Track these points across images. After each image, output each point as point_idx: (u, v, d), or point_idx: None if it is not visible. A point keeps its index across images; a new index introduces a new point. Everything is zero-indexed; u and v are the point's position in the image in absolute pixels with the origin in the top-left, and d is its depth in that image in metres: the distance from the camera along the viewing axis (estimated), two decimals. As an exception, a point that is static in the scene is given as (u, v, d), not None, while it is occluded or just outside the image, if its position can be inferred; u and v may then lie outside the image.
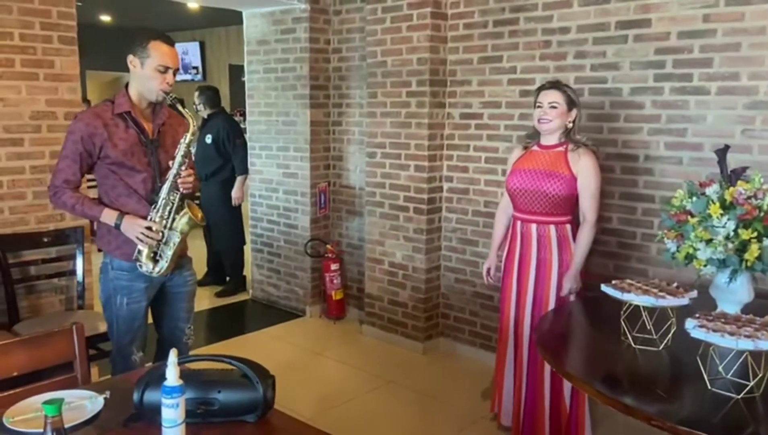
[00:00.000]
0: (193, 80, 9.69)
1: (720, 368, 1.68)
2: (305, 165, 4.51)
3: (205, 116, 4.99)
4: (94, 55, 7.74)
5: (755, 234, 1.88)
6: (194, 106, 5.02)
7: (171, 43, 2.33)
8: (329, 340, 4.20)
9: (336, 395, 3.38)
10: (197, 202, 2.51)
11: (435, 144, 3.80)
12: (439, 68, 3.73)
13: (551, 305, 2.66)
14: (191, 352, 2.67)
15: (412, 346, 3.95)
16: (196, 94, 5.00)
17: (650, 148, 3.03)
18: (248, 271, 5.20)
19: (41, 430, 1.20)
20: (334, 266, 4.46)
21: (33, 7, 3.08)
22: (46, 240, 3.20)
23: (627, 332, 2.01)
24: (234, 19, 5.26)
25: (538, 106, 2.63)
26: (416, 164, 3.83)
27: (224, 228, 5.02)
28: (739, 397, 1.62)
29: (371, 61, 3.97)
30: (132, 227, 2.28)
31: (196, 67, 10.06)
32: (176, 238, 2.34)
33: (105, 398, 1.56)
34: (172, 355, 1.37)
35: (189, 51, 9.86)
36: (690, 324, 1.72)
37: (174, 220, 2.33)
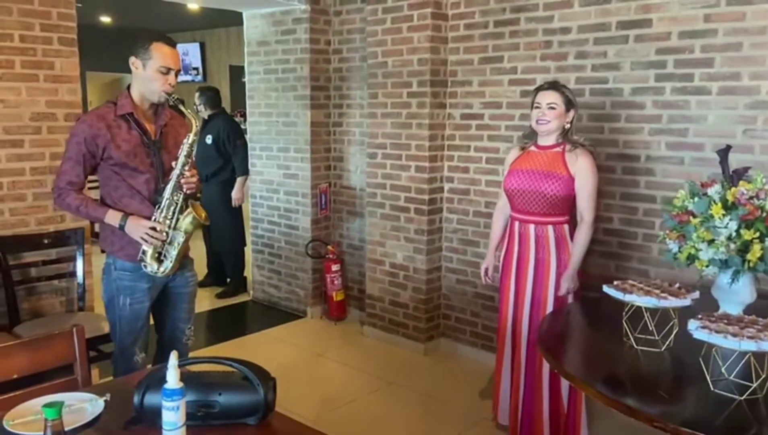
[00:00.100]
0: (193, 81, 9.69)
1: (723, 369, 1.67)
2: (306, 166, 4.51)
3: (206, 117, 4.99)
4: (95, 57, 7.74)
5: (757, 234, 1.87)
6: (195, 107, 5.01)
7: (173, 44, 2.34)
8: (330, 341, 4.19)
9: (337, 396, 3.37)
10: (198, 202, 2.52)
11: (436, 144, 3.80)
12: (439, 69, 3.73)
13: (549, 305, 2.67)
14: (191, 354, 2.67)
15: (414, 347, 3.95)
16: (197, 94, 5.00)
17: (651, 148, 3.02)
18: (249, 272, 5.19)
19: (41, 434, 1.19)
20: (334, 267, 4.45)
21: (33, 8, 3.08)
22: (46, 241, 3.20)
23: (629, 333, 2.00)
24: (234, 20, 5.26)
25: (536, 107, 2.63)
26: (417, 165, 3.82)
27: (225, 229, 5.01)
28: (742, 398, 1.62)
29: (372, 62, 3.97)
30: (136, 228, 2.29)
31: (196, 68, 10.05)
32: (180, 238, 2.36)
33: (105, 401, 1.56)
34: (173, 358, 1.37)
35: (189, 52, 9.84)
36: (692, 325, 1.72)
37: (178, 220, 2.35)
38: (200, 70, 10.07)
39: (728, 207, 1.94)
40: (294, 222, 4.65)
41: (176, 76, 2.34)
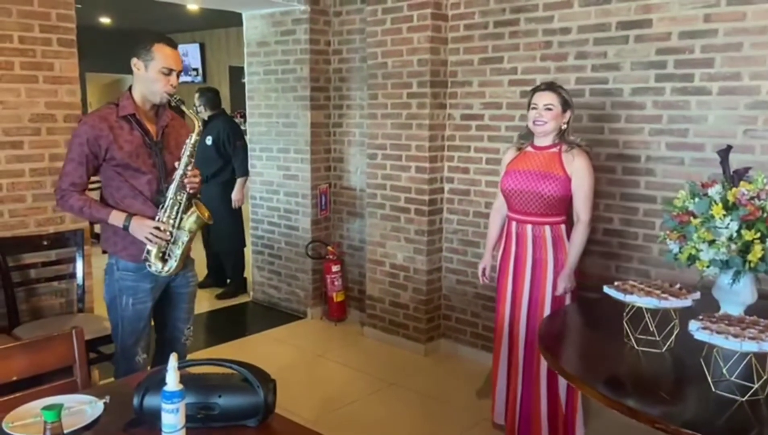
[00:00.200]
0: (193, 82, 9.69)
1: (724, 370, 1.66)
2: (306, 167, 4.51)
3: (206, 118, 4.98)
4: (94, 57, 7.74)
5: (758, 235, 1.87)
6: (194, 108, 4.99)
7: (174, 45, 2.36)
8: (330, 342, 4.19)
9: (338, 397, 3.37)
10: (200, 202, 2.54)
11: (436, 145, 3.79)
12: (439, 69, 3.73)
13: (547, 305, 2.68)
14: (191, 356, 2.68)
15: (414, 348, 3.94)
16: (197, 95, 4.99)
17: (651, 148, 3.02)
18: (249, 273, 5.19)
19: (41, 436, 1.19)
20: (335, 268, 4.45)
21: (32, 9, 3.08)
22: (45, 243, 3.19)
23: (630, 334, 2.00)
24: (234, 20, 5.26)
25: (533, 108, 2.64)
26: (417, 165, 3.82)
27: (224, 230, 5.01)
28: (744, 399, 1.61)
29: (372, 63, 3.96)
30: (141, 228, 2.30)
31: (196, 69, 10.06)
32: (185, 237, 2.38)
33: (105, 403, 1.55)
34: (172, 360, 1.36)
35: (189, 53, 9.85)
36: (693, 326, 1.71)
37: (181, 219, 2.36)
38: (200, 70, 10.08)
39: (729, 207, 1.94)
40: (294, 223, 4.65)
41: (178, 76, 2.36)
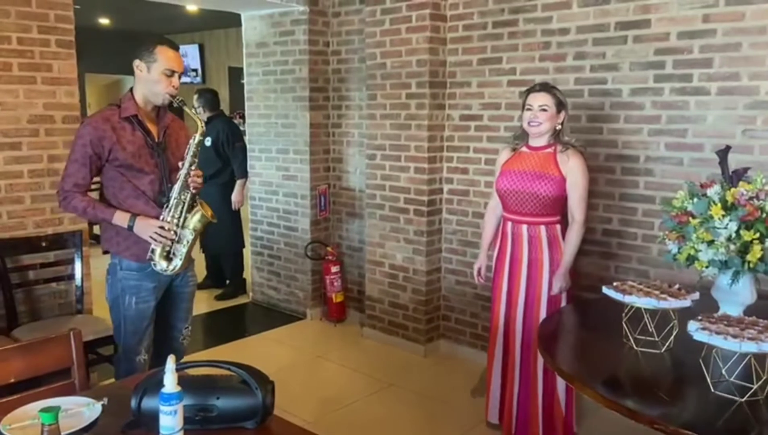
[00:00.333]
0: (192, 83, 9.68)
1: (723, 371, 1.66)
2: (305, 167, 4.50)
3: (205, 119, 4.97)
4: (93, 58, 7.74)
5: (757, 235, 1.86)
6: (193, 109, 5.00)
7: (176, 47, 2.40)
8: (330, 343, 4.18)
9: (337, 398, 3.36)
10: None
11: (435, 146, 3.79)
12: (438, 70, 3.72)
13: (543, 304, 2.69)
14: (190, 357, 2.68)
15: (413, 349, 3.94)
16: (195, 97, 4.98)
17: (650, 148, 3.02)
18: (248, 273, 5.18)
19: (38, 439, 1.19)
20: (334, 269, 4.45)
21: (30, 10, 3.07)
22: (44, 244, 3.19)
23: (629, 334, 2.00)
24: (233, 21, 5.25)
25: (528, 109, 2.65)
26: (416, 166, 3.82)
27: (224, 231, 5.00)
28: (743, 400, 1.61)
29: (370, 63, 3.96)
30: (146, 228, 2.32)
31: (195, 70, 10.05)
32: (189, 236, 2.40)
33: (103, 405, 1.55)
34: (170, 362, 1.36)
35: (188, 53, 9.84)
36: (692, 326, 1.71)
37: (186, 218, 2.39)
38: (199, 71, 10.07)
39: (728, 208, 1.93)
40: (293, 223, 4.64)
41: (179, 78, 2.39)
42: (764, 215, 1.89)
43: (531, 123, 2.64)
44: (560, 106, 2.64)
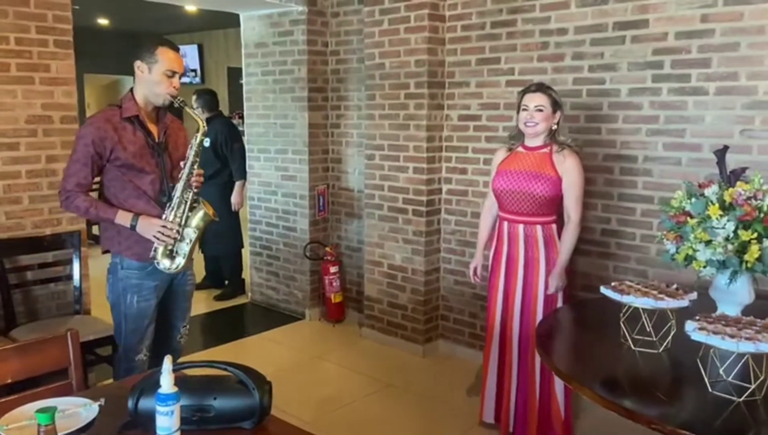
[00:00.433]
0: (191, 83, 9.67)
1: (721, 371, 1.66)
2: (304, 167, 4.50)
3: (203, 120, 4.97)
4: (92, 59, 7.72)
5: (755, 235, 1.86)
6: (192, 110, 5.00)
7: (177, 48, 2.43)
8: (329, 343, 4.18)
9: (335, 398, 3.36)
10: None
11: (433, 146, 3.79)
12: (437, 70, 3.72)
13: (540, 304, 2.70)
14: (188, 357, 2.68)
15: (412, 349, 3.94)
16: (194, 97, 4.97)
17: (649, 148, 3.02)
18: (247, 274, 5.18)
19: (34, 439, 1.19)
20: (333, 269, 4.44)
21: (28, 11, 3.07)
22: (42, 244, 3.18)
23: (627, 334, 2.00)
24: (232, 21, 5.25)
25: (524, 110, 2.66)
26: (415, 166, 3.82)
27: (222, 231, 5.00)
28: (741, 400, 1.61)
29: (369, 63, 3.96)
30: (149, 227, 2.34)
31: (194, 70, 10.04)
32: (193, 235, 2.43)
33: (100, 405, 1.55)
34: (167, 362, 1.36)
35: (187, 54, 9.83)
36: (690, 326, 1.71)
37: (188, 217, 2.41)
38: (198, 72, 10.07)
39: (726, 208, 1.93)
40: (292, 224, 4.64)
41: (180, 79, 2.42)
42: (762, 215, 1.89)
43: (527, 123, 2.65)
44: (556, 106, 2.65)
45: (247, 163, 4.89)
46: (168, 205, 2.39)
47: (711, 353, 1.69)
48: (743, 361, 1.62)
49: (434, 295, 3.95)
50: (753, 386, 1.61)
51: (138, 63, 2.36)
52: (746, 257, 1.86)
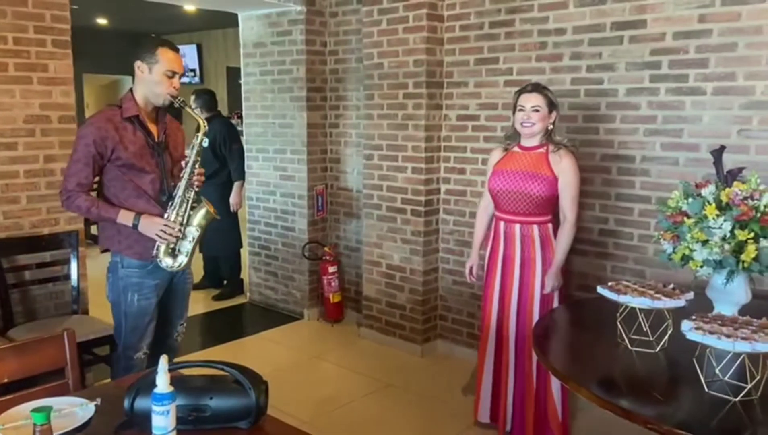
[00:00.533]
0: (190, 83, 9.67)
1: (717, 371, 1.66)
2: (302, 167, 4.50)
3: (202, 119, 4.97)
4: (91, 59, 7.72)
5: (752, 235, 1.86)
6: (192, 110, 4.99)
7: (176, 49, 2.46)
8: (327, 343, 4.18)
9: (334, 398, 3.36)
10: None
11: (432, 146, 3.79)
12: (435, 70, 3.72)
13: (536, 304, 2.71)
14: (186, 357, 2.69)
15: (410, 349, 3.94)
16: (192, 97, 4.97)
17: (646, 149, 3.02)
18: (246, 274, 5.18)
19: (30, 439, 1.19)
20: (331, 269, 4.45)
21: (27, 11, 3.07)
22: (40, 244, 3.18)
23: (623, 334, 2.00)
24: (231, 21, 5.25)
25: (520, 110, 2.67)
26: (413, 166, 3.82)
27: (221, 232, 5.00)
28: (737, 399, 1.61)
29: (368, 63, 3.96)
30: (151, 226, 2.36)
31: (193, 70, 10.04)
32: (195, 233, 2.45)
33: (96, 405, 1.55)
34: (163, 362, 1.36)
35: (186, 54, 9.82)
36: (686, 326, 1.71)
37: (190, 216, 2.43)
38: (197, 71, 10.06)
39: (722, 207, 1.93)
40: (291, 224, 4.64)
41: (179, 79, 2.44)
42: (758, 215, 1.89)
43: (524, 124, 2.65)
44: (552, 106, 2.66)
45: (246, 162, 4.89)
46: (170, 204, 2.41)
47: (707, 353, 1.69)
48: (739, 360, 1.62)
49: (432, 295, 3.95)
50: (749, 386, 1.61)
51: (138, 63, 2.38)
52: (743, 257, 1.86)
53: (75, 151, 2.36)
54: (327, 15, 4.42)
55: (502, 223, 2.76)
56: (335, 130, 4.52)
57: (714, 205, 1.93)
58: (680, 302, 1.94)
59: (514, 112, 2.72)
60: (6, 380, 1.72)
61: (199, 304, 4.87)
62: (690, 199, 2.00)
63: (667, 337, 1.95)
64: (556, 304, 2.72)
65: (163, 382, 1.34)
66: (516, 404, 2.79)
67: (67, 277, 3.27)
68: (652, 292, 1.99)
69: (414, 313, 3.93)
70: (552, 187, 2.64)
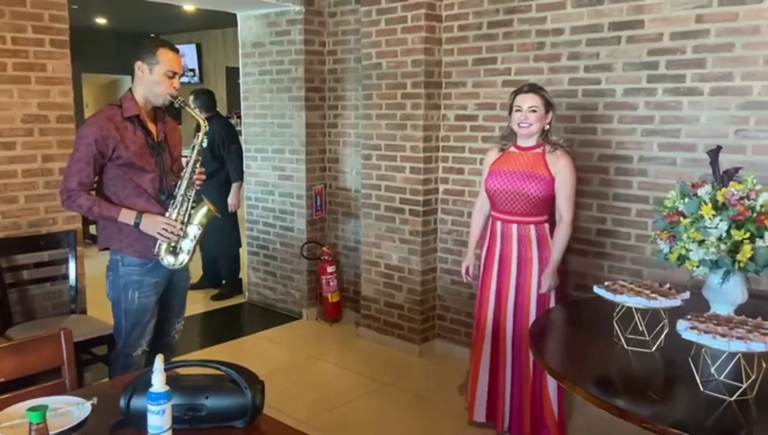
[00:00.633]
0: (189, 83, 9.67)
1: (712, 370, 1.67)
2: (301, 167, 4.50)
3: (201, 119, 4.97)
4: (90, 58, 7.73)
5: (748, 235, 1.87)
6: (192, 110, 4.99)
7: (176, 50, 2.49)
8: (325, 343, 4.18)
9: (332, 398, 3.37)
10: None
11: (430, 146, 3.79)
12: (433, 70, 3.73)
13: (533, 302, 2.72)
14: (185, 357, 2.70)
15: (409, 349, 3.94)
16: (191, 98, 4.96)
17: (644, 149, 3.02)
18: (244, 274, 5.18)
19: (26, 438, 1.19)
20: (330, 269, 4.45)
21: (25, 10, 3.07)
22: (38, 244, 3.18)
23: (619, 334, 2.00)
24: (230, 21, 5.25)
25: (517, 110, 2.67)
26: (412, 166, 3.82)
27: (220, 231, 5.00)
28: (732, 399, 1.61)
29: (366, 63, 3.96)
30: (152, 224, 2.39)
31: (192, 70, 10.04)
32: (197, 231, 2.48)
33: (92, 404, 1.55)
34: (158, 362, 1.36)
35: (185, 53, 9.82)
36: (681, 325, 1.71)
37: (191, 214, 2.46)
38: (197, 71, 10.06)
39: (718, 207, 1.94)
40: (289, 223, 4.64)
41: (179, 79, 2.46)
42: (755, 215, 1.89)
43: (521, 124, 2.66)
44: (548, 106, 2.67)
45: (245, 162, 4.89)
46: (171, 203, 2.44)
47: (703, 352, 1.70)
48: (735, 360, 1.62)
49: (431, 295, 3.96)
50: (744, 385, 1.61)
51: (138, 63, 2.40)
52: (739, 257, 1.87)
53: (76, 151, 2.37)
54: (325, 15, 4.43)
55: (498, 223, 2.77)
56: (334, 130, 4.52)
57: (710, 205, 1.94)
58: (676, 302, 1.95)
59: (510, 113, 2.72)
60: (3, 379, 1.72)
61: (197, 303, 4.87)
62: (686, 199, 2.01)
63: (663, 336, 1.95)
64: (552, 303, 2.73)
65: (158, 381, 1.34)
66: (513, 403, 2.80)
67: (65, 276, 3.28)
68: (648, 291, 2.00)
69: (412, 313, 3.94)
70: (549, 187, 2.64)
